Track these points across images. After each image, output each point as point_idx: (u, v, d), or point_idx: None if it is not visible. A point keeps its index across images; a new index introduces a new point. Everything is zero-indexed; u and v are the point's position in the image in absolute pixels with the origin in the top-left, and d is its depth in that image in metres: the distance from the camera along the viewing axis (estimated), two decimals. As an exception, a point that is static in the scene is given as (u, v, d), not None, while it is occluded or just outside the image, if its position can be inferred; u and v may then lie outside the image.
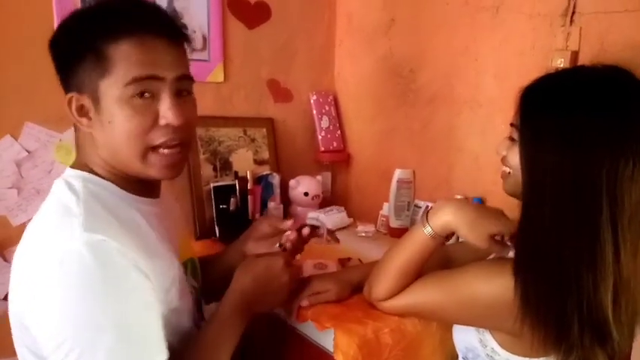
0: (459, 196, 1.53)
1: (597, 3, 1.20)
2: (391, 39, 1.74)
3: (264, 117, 1.79)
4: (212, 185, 1.58)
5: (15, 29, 1.29)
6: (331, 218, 1.67)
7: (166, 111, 0.76)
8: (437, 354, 1.08)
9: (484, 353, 0.90)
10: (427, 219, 0.91)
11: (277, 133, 1.82)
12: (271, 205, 1.67)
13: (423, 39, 1.63)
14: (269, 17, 1.74)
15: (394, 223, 1.61)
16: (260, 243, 1.06)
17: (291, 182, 1.74)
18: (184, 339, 0.84)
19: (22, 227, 0.85)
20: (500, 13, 1.40)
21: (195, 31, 1.57)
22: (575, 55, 1.23)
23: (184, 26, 0.82)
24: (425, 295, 0.92)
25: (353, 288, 1.08)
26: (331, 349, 0.99)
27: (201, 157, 1.61)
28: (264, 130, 1.78)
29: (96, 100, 0.75)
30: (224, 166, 1.66)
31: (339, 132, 1.95)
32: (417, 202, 1.62)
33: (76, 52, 0.75)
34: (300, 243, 1.04)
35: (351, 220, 1.75)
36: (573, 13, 1.24)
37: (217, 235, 1.57)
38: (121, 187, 0.80)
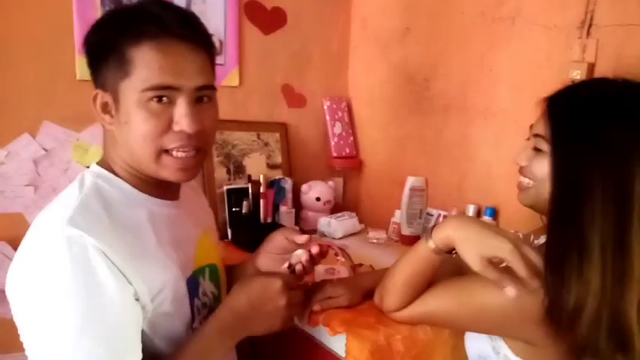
0: (472, 207, 1.53)
1: (614, 15, 1.20)
2: (406, 47, 1.75)
3: (277, 122, 1.80)
4: (225, 188, 1.60)
5: (34, 29, 1.31)
6: (342, 224, 1.67)
7: (180, 118, 0.76)
8: (448, 362, 1.08)
9: (497, 360, 0.90)
10: (432, 232, 0.90)
11: (290, 138, 1.83)
12: (283, 209, 1.68)
13: (438, 48, 1.64)
14: (285, 23, 1.76)
15: (406, 231, 1.61)
16: (272, 256, 1.00)
17: (303, 187, 1.75)
18: (176, 344, 0.82)
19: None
20: (516, 24, 1.41)
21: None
22: (591, 67, 1.23)
23: (209, 33, 0.82)
24: (437, 303, 0.92)
25: (365, 294, 1.08)
26: (343, 354, 0.99)
27: (215, 159, 1.63)
28: (278, 134, 1.79)
29: (116, 100, 0.76)
30: (237, 169, 1.67)
31: (351, 138, 1.96)
32: (429, 210, 1.63)
33: (101, 51, 0.77)
34: (310, 264, 0.97)
35: (362, 226, 1.75)
36: (590, 25, 1.24)
37: (229, 237, 1.58)
38: (135, 186, 0.82)
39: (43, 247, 0.70)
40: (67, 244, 0.69)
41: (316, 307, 1.03)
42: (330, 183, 1.81)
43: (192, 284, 0.88)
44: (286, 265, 0.95)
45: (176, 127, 0.76)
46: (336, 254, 0.99)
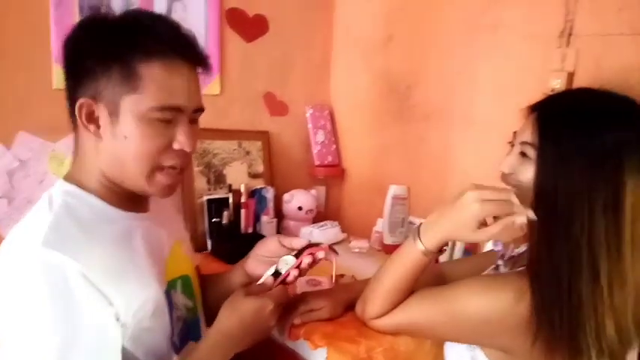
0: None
1: (593, 25, 1.21)
2: (388, 55, 1.75)
3: (259, 130, 1.79)
4: (205, 198, 1.57)
5: (10, 37, 1.28)
6: (325, 233, 1.66)
7: (182, 137, 0.78)
8: (430, 374, 1.07)
9: (475, 370, 0.89)
10: (419, 235, 0.89)
11: (272, 146, 1.82)
12: (264, 219, 1.67)
13: (421, 56, 1.64)
14: (266, 31, 1.75)
15: (388, 240, 1.60)
16: (263, 260, 1.00)
17: (285, 196, 1.73)
18: (159, 357, 0.82)
19: (12, 238, 0.85)
20: (497, 33, 1.41)
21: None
22: (571, 76, 1.24)
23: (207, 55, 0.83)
24: (418, 312, 0.92)
25: (346, 305, 1.07)
26: (324, 369, 0.97)
27: (195, 169, 1.60)
28: (259, 143, 1.77)
29: (114, 112, 0.75)
30: (218, 178, 1.65)
31: (334, 146, 1.95)
32: (411, 218, 1.62)
33: (101, 60, 0.74)
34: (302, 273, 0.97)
35: (345, 235, 1.74)
36: (570, 35, 1.26)
37: (209, 248, 1.56)
38: (107, 201, 0.80)
39: (19, 274, 0.68)
40: (44, 270, 0.67)
41: (297, 321, 1.02)
42: (313, 192, 1.79)
43: (168, 297, 0.86)
44: (272, 270, 0.94)
45: (176, 146, 0.78)
46: (326, 259, 0.98)
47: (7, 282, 0.69)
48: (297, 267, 0.94)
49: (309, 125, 1.90)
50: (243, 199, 1.60)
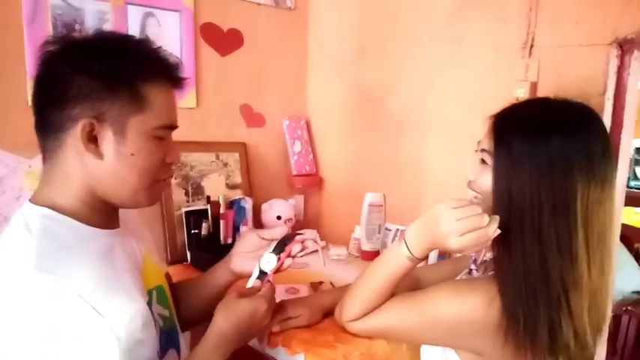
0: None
1: (553, 37, 1.27)
2: (361, 66, 1.80)
3: (236, 141, 1.81)
4: (184, 210, 1.59)
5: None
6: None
7: (174, 152, 0.86)
8: (406, 376, 1.10)
9: (449, 372, 0.93)
10: (405, 240, 0.91)
11: (250, 157, 1.84)
12: (243, 229, 1.68)
13: (392, 67, 1.69)
14: (241, 45, 1.78)
15: (366, 246, 1.64)
16: (246, 256, 1.04)
17: (264, 206, 1.75)
18: None
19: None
20: (463, 45, 1.47)
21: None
22: (534, 85, 1.30)
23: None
24: (394, 315, 0.94)
25: (324, 312, 1.10)
26: (302, 374, 0.99)
27: (173, 181, 1.61)
28: (237, 154, 1.79)
29: (120, 132, 0.78)
30: (196, 190, 1.67)
31: (311, 156, 1.99)
32: (387, 225, 1.66)
33: (108, 83, 0.77)
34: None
35: (324, 243, 1.77)
36: (532, 46, 1.31)
37: (189, 260, 1.57)
38: (86, 222, 0.80)
39: (16, 302, 0.68)
40: (42, 293, 0.68)
41: (275, 329, 1.04)
42: (291, 201, 1.82)
43: (150, 308, 0.87)
44: (257, 272, 0.98)
45: (168, 160, 0.85)
46: (303, 249, 1.02)
47: (4, 311, 0.68)
48: (288, 255, 1.00)
49: (286, 136, 1.93)
50: (221, 210, 1.61)
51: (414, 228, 0.90)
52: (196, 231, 1.57)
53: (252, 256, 1.02)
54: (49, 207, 0.78)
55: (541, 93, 1.28)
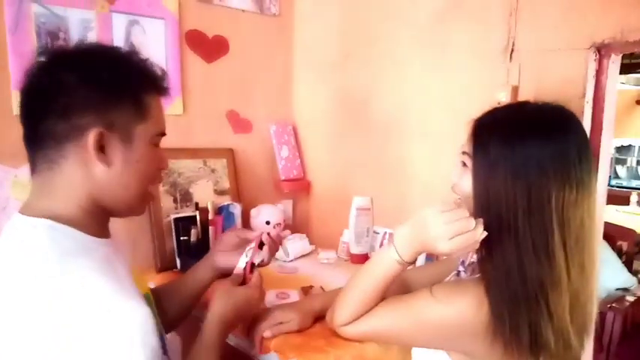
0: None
1: (533, 42, 1.30)
2: (346, 71, 1.82)
3: (224, 148, 1.81)
4: (172, 217, 1.58)
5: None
6: (293, 246, 1.69)
7: (163, 158, 0.91)
8: (398, 379, 1.12)
9: (440, 374, 0.94)
10: (395, 244, 0.92)
11: (238, 163, 1.85)
12: (232, 235, 1.68)
13: (376, 72, 1.71)
14: (227, 51, 1.78)
15: (354, 249, 1.65)
16: (230, 254, 1.14)
17: (252, 211, 1.75)
18: None
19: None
20: (446, 50, 1.49)
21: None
22: (515, 89, 1.33)
23: None
24: (385, 319, 0.95)
25: (315, 317, 1.11)
26: (294, 379, 1.00)
27: (161, 189, 1.61)
28: (225, 160, 1.80)
29: (128, 140, 0.81)
30: (184, 197, 1.67)
31: (298, 160, 2.00)
32: (375, 228, 1.67)
33: (115, 93, 0.80)
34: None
35: (313, 247, 1.78)
36: (512, 50, 1.34)
37: (178, 266, 1.57)
38: (86, 231, 0.80)
39: (43, 304, 0.68)
40: (67, 294, 0.69)
41: (267, 334, 1.05)
42: (280, 206, 1.82)
43: None
44: (242, 264, 1.09)
45: (160, 166, 0.90)
46: (260, 247, 1.15)
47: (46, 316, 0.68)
48: (259, 247, 1.14)
49: (274, 141, 1.93)
50: (210, 217, 1.62)
51: (402, 232, 0.91)
52: (185, 238, 1.57)
53: (231, 254, 1.14)
54: (49, 218, 0.77)
55: (522, 97, 1.31)
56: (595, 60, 1.19)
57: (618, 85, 1.28)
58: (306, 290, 1.34)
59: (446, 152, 1.48)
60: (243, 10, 1.80)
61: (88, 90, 0.77)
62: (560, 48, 1.25)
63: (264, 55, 1.90)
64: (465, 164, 0.91)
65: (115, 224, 0.91)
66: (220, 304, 0.97)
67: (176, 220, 1.58)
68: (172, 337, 1.15)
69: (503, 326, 0.82)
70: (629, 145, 5.45)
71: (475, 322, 0.84)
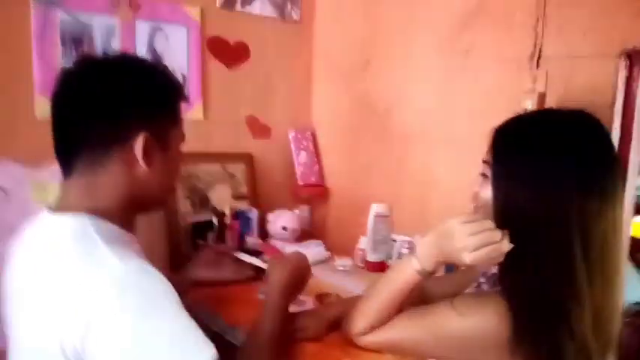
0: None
1: (561, 48, 1.27)
2: (367, 78, 1.80)
3: (243, 152, 1.81)
4: (190, 221, 1.58)
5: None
6: (309, 253, 1.67)
7: (183, 157, 0.97)
8: (414, 391, 1.09)
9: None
10: (418, 254, 0.91)
11: (256, 168, 1.84)
12: (249, 239, 1.68)
13: (398, 79, 1.69)
14: (248, 57, 1.79)
15: (371, 257, 1.63)
16: (209, 268, 1.30)
17: (270, 216, 1.75)
18: None
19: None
20: (470, 57, 1.47)
21: (174, 71, 1.60)
22: (542, 96, 1.29)
23: None
24: (403, 330, 0.93)
25: (331, 325, 1.09)
26: (309, 389, 0.98)
27: (180, 193, 1.61)
28: (243, 165, 1.80)
29: (165, 142, 0.87)
30: (202, 202, 1.67)
31: (317, 166, 1.99)
32: (394, 236, 1.65)
33: (161, 99, 0.87)
34: None
35: (329, 253, 1.76)
36: (539, 57, 1.31)
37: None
38: (121, 226, 0.84)
39: (121, 287, 0.71)
40: (140, 273, 0.74)
41: (282, 341, 1.03)
42: (297, 211, 1.81)
43: None
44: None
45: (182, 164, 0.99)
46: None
47: (117, 300, 0.70)
48: None
49: (292, 147, 1.93)
50: (227, 221, 1.61)
51: (425, 243, 0.90)
52: (202, 242, 1.57)
53: (207, 267, 1.30)
54: (92, 214, 0.80)
55: (549, 104, 1.27)
56: (625, 67, 1.16)
57: (649, 93, 1.24)
58: (320, 298, 1.32)
59: (469, 160, 1.44)
60: (264, 17, 1.81)
61: (137, 98, 0.84)
62: (589, 54, 1.21)
63: (284, 61, 1.90)
64: (484, 174, 0.89)
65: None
66: (276, 273, 1.05)
67: (194, 224, 1.58)
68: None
69: (523, 342, 0.79)
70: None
71: (496, 335, 0.82)
